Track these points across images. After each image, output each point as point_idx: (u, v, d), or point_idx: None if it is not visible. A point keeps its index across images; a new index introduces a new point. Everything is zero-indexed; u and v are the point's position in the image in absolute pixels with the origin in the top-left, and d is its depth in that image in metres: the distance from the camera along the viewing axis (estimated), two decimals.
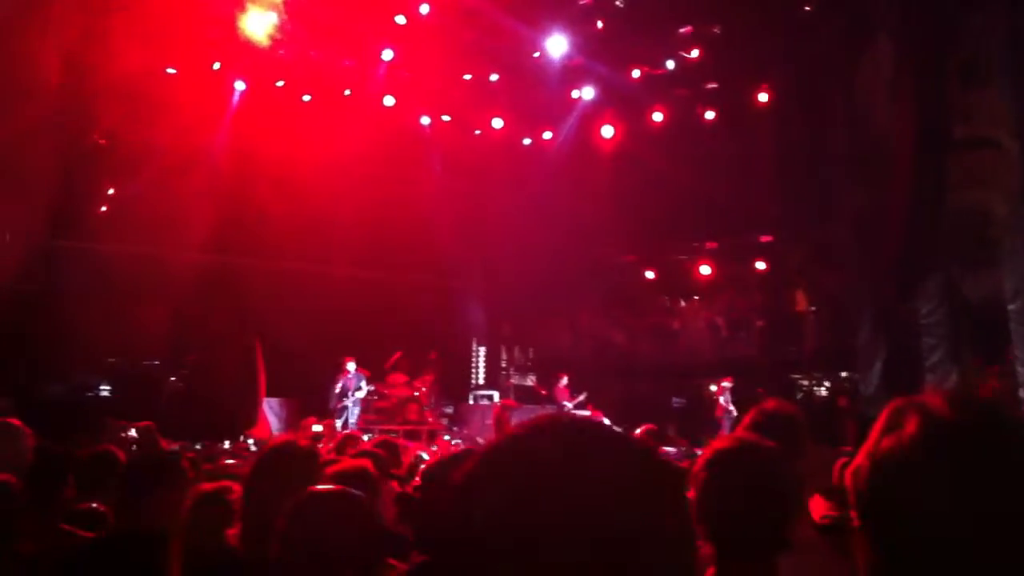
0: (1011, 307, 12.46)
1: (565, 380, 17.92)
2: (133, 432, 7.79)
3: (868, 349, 14.65)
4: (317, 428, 13.94)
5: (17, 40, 12.23)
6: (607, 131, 18.06)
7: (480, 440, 14.50)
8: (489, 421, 16.19)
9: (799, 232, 17.29)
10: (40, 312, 13.92)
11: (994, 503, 1.16)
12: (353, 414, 16.11)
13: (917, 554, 1.20)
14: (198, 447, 11.66)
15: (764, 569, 2.12)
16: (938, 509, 1.18)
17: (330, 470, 3.40)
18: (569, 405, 17.57)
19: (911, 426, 1.23)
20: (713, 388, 18.64)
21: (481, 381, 22.08)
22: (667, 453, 6.73)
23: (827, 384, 18.43)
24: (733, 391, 16.72)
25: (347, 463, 3.68)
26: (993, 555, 1.15)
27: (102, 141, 15.39)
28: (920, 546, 1.19)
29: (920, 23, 13.35)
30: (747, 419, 3.07)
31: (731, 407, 16.32)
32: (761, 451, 2.23)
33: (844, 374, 17.63)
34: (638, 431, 6.92)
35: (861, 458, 1.29)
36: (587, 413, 18.29)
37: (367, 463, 3.65)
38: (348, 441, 6.80)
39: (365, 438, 9.88)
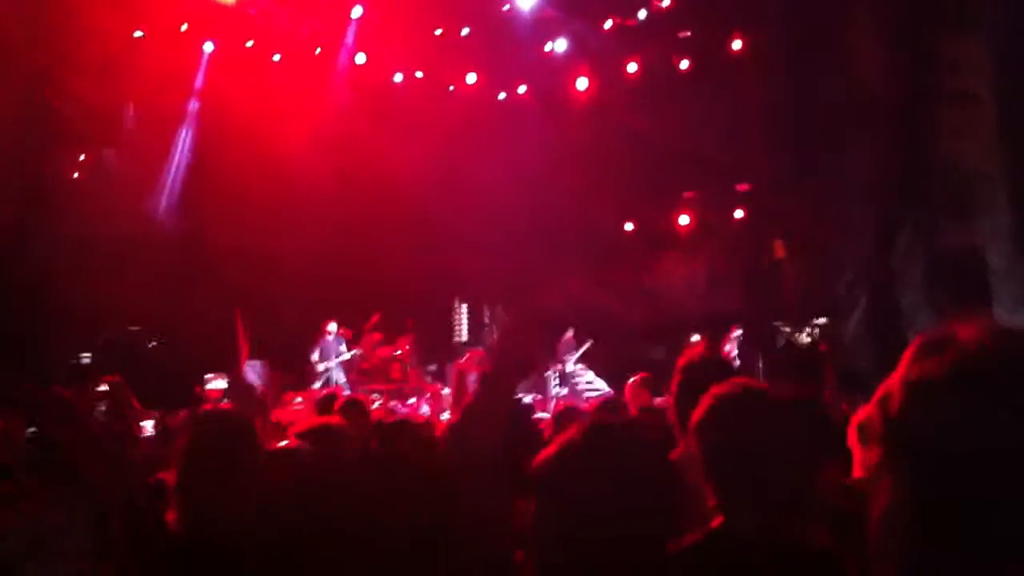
0: (988, 257, 12.52)
1: (571, 332, 17.67)
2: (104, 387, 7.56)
3: (848, 298, 14.71)
4: (299, 401, 13.86)
5: None
6: (581, 83, 17.87)
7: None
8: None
9: (780, 183, 17.24)
10: (20, 289, 13.70)
11: None
12: (339, 376, 16.01)
13: (949, 481, 1.17)
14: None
15: (776, 525, 1.91)
16: (975, 438, 1.15)
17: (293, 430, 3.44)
18: (571, 360, 17.39)
19: (950, 353, 1.21)
20: (695, 338, 18.68)
21: (465, 339, 22.08)
22: (658, 404, 6.81)
23: (808, 331, 18.52)
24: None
25: (306, 422, 3.68)
26: None
27: (67, 109, 15.07)
28: (953, 473, 1.17)
29: None
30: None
31: (735, 357, 16.23)
32: (768, 397, 2.02)
33: (823, 320, 17.72)
34: (632, 380, 7.02)
35: (892, 385, 1.25)
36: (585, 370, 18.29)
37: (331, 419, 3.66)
38: (328, 399, 6.82)
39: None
